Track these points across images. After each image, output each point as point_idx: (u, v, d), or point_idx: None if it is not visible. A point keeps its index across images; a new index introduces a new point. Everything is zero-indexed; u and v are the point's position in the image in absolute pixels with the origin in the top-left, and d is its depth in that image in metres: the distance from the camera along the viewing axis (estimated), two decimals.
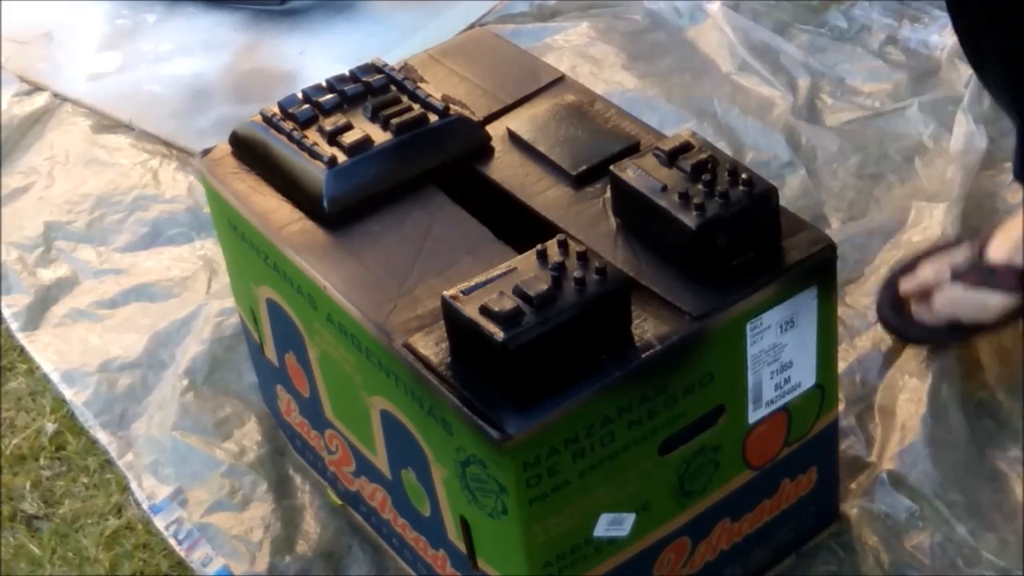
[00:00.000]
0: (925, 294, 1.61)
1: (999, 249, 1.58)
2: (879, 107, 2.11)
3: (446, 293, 1.26)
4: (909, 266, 1.66)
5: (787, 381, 1.38)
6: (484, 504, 1.28)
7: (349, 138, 1.45)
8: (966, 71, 2.11)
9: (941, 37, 2.21)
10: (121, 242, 2.05)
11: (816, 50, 2.23)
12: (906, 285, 1.62)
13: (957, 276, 1.56)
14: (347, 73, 1.55)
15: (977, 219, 1.87)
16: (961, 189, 1.90)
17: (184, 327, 1.87)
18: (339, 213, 1.43)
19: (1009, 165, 1.97)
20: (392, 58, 1.61)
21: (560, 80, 1.60)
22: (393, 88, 1.52)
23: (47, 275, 2.01)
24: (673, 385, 1.29)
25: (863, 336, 1.75)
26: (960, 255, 1.59)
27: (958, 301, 1.57)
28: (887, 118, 2.09)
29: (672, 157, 1.36)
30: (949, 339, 1.61)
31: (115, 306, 1.95)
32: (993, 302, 1.56)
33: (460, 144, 1.49)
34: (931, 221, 1.86)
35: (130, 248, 2.04)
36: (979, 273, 1.56)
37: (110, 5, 2.55)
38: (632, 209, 1.37)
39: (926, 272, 1.61)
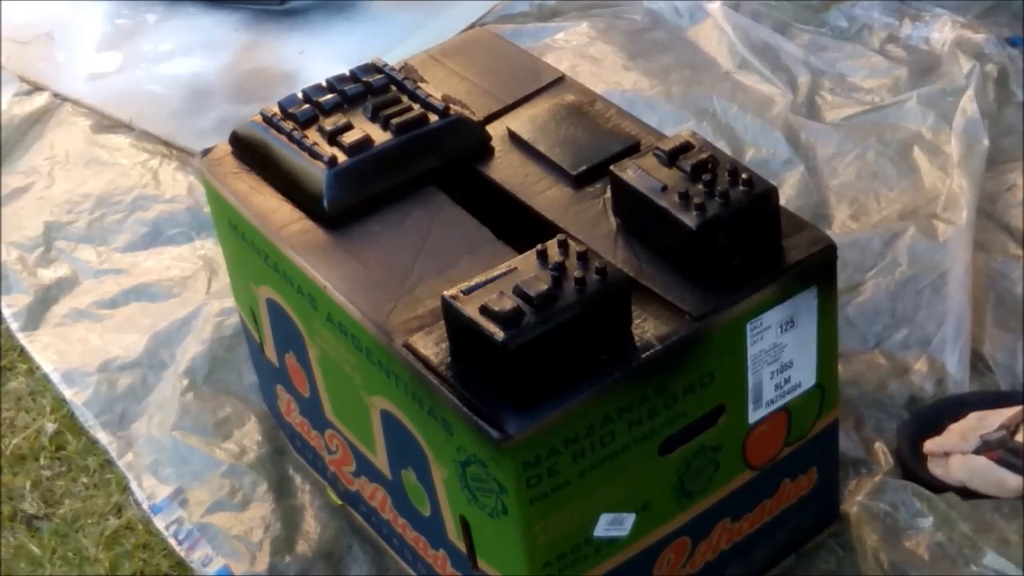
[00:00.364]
0: (946, 454, 1.59)
1: None
2: (879, 102, 2.11)
3: (446, 293, 1.26)
4: (932, 416, 1.64)
5: (787, 381, 1.38)
6: (484, 504, 1.28)
7: (349, 138, 1.45)
8: (967, 64, 2.11)
9: (942, 33, 2.21)
10: (121, 242, 2.05)
11: (816, 49, 2.23)
12: (930, 445, 1.60)
13: (982, 450, 1.55)
14: (347, 73, 1.55)
15: (980, 226, 1.88)
16: (970, 210, 1.88)
17: (184, 327, 1.87)
18: (339, 213, 1.43)
19: (1011, 164, 1.98)
20: (392, 58, 1.61)
21: (560, 80, 1.60)
22: (393, 88, 1.52)
23: (47, 275, 2.01)
24: (673, 385, 1.29)
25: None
26: (993, 423, 1.56)
27: (976, 471, 1.55)
28: (886, 112, 2.09)
29: (672, 157, 1.36)
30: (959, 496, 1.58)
31: (115, 306, 1.95)
32: (1012, 483, 1.54)
33: (460, 144, 1.49)
34: (936, 240, 1.87)
35: (130, 248, 2.04)
36: (1006, 452, 1.54)
37: (110, 5, 2.55)
38: (632, 209, 1.37)
39: (953, 436, 1.59)
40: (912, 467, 1.60)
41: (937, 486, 1.57)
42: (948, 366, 1.71)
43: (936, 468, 1.58)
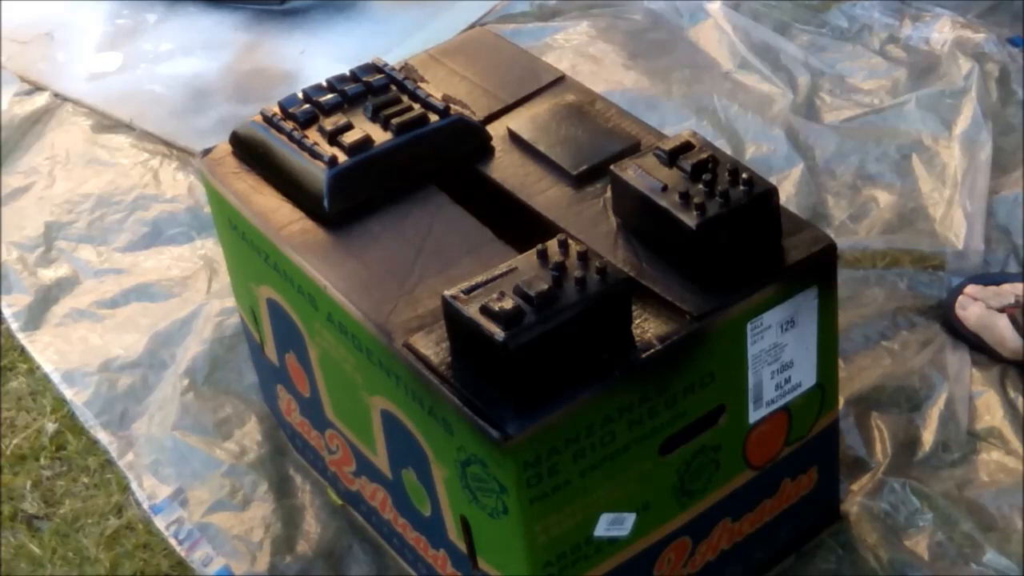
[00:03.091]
0: (981, 301, 1.73)
1: None
2: (878, 104, 2.11)
3: (447, 293, 1.26)
4: (993, 278, 1.78)
5: (787, 381, 1.38)
6: (485, 504, 1.28)
7: (349, 138, 1.45)
8: (966, 64, 2.12)
9: (942, 33, 2.21)
10: (122, 242, 2.05)
11: (817, 49, 2.23)
12: (972, 288, 1.75)
13: (1006, 307, 1.69)
14: (347, 73, 1.55)
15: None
16: (980, 202, 1.90)
17: (184, 327, 1.87)
18: (339, 213, 1.43)
19: (1012, 162, 1.98)
20: (392, 58, 1.61)
21: (560, 80, 1.60)
22: (393, 88, 1.52)
23: (48, 275, 2.00)
24: (673, 385, 1.29)
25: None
26: None
27: (985, 323, 1.70)
28: (885, 115, 2.09)
29: (672, 157, 1.36)
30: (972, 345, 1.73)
31: (115, 306, 1.95)
32: (1011, 344, 1.68)
33: (460, 144, 1.49)
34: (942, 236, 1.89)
35: (130, 248, 2.04)
36: (1021, 312, 1.68)
37: (110, 5, 2.55)
38: (632, 209, 1.37)
39: (993, 289, 1.74)
40: (946, 312, 1.75)
41: (955, 329, 1.73)
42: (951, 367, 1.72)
43: (960, 310, 1.72)
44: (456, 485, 1.30)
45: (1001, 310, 1.70)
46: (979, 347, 1.72)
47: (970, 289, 1.75)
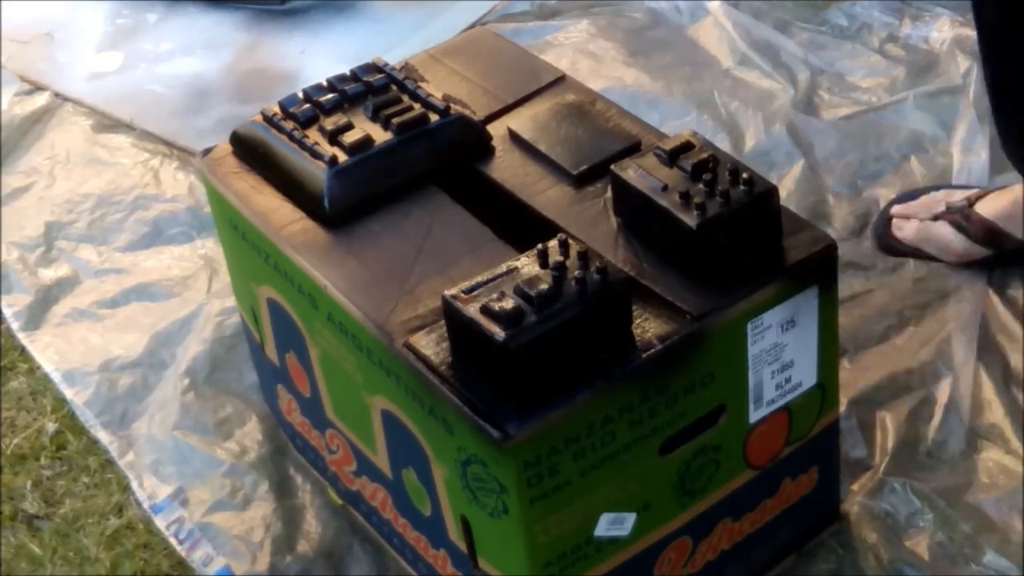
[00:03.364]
0: (910, 218, 1.81)
1: (988, 205, 1.75)
2: (876, 102, 2.11)
3: (447, 292, 1.26)
4: (911, 196, 1.86)
5: (788, 381, 1.38)
6: (485, 504, 1.28)
7: (350, 138, 1.45)
8: (965, 62, 2.11)
9: (941, 32, 2.21)
10: (122, 241, 2.05)
11: (816, 47, 2.23)
12: (897, 208, 1.83)
13: (943, 215, 1.76)
14: (348, 73, 1.55)
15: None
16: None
17: (185, 327, 1.87)
18: (340, 213, 1.43)
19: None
20: (393, 57, 1.61)
21: (561, 79, 1.60)
22: (394, 88, 1.52)
23: (48, 275, 2.01)
24: (674, 385, 1.29)
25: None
26: (957, 196, 1.79)
27: (927, 235, 1.78)
28: (884, 113, 2.09)
29: (673, 156, 1.36)
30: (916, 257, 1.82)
31: (116, 306, 1.95)
32: (956, 247, 1.75)
33: (461, 144, 1.49)
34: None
35: (131, 247, 2.04)
36: (961, 217, 1.74)
37: (110, 5, 2.55)
38: (633, 209, 1.37)
39: (919, 204, 1.82)
40: (879, 237, 1.84)
41: (896, 249, 1.81)
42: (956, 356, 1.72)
43: (897, 231, 1.80)
44: (456, 485, 1.30)
45: (935, 219, 1.76)
46: (923, 259, 1.78)
47: (897, 209, 1.81)
